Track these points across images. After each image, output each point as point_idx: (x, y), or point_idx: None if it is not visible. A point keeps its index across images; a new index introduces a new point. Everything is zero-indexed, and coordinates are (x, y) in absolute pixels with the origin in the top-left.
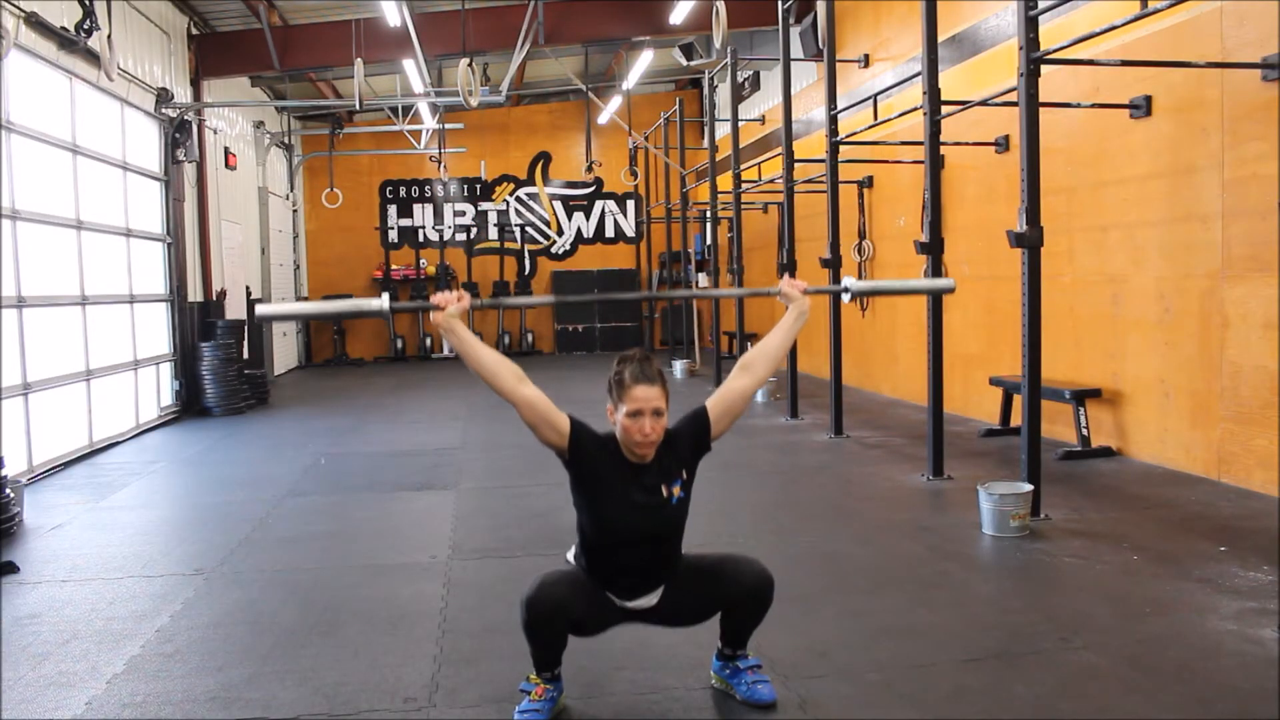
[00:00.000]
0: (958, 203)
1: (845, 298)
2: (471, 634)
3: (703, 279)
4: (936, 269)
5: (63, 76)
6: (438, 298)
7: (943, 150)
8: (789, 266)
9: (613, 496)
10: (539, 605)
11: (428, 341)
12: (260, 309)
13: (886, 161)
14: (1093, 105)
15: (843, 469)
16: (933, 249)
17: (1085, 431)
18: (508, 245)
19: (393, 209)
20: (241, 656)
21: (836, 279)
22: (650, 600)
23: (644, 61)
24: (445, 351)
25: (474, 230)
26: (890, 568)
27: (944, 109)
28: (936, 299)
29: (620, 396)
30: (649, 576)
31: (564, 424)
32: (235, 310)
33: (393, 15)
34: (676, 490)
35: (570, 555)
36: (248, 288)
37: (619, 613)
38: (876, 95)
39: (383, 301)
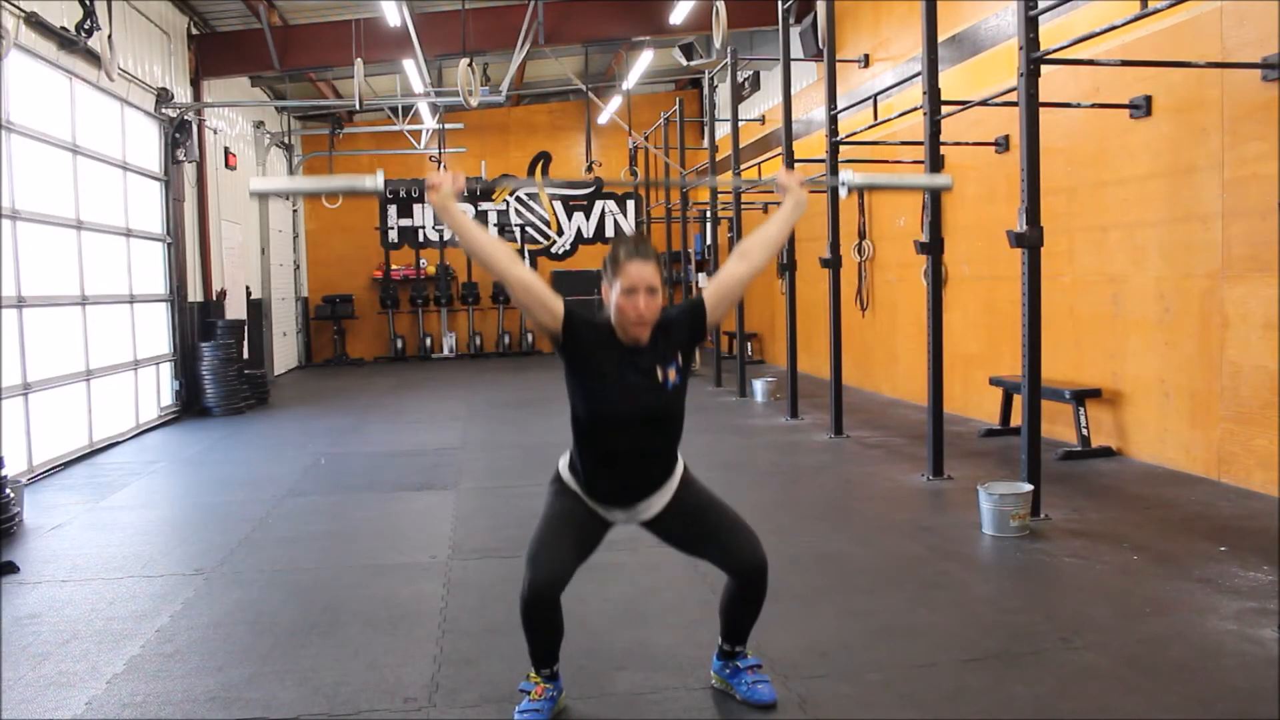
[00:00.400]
0: (958, 203)
1: (843, 191)
2: (471, 634)
3: (703, 279)
4: (936, 269)
5: (63, 76)
6: (432, 178)
7: (943, 150)
8: (789, 266)
9: (607, 378)
10: (539, 589)
11: (428, 341)
12: (254, 183)
13: (886, 161)
14: (1093, 105)
15: (843, 469)
16: (933, 249)
17: (1085, 431)
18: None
19: (393, 209)
20: (241, 656)
21: (836, 279)
22: (647, 513)
23: (644, 61)
24: (445, 351)
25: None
26: (890, 568)
27: (944, 109)
28: (936, 299)
29: (615, 274)
30: (646, 475)
31: (558, 306)
32: (235, 310)
33: (393, 15)
34: (672, 374)
35: (563, 465)
36: (248, 288)
37: (606, 529)
38: (876, 95)
39: (377, 179)
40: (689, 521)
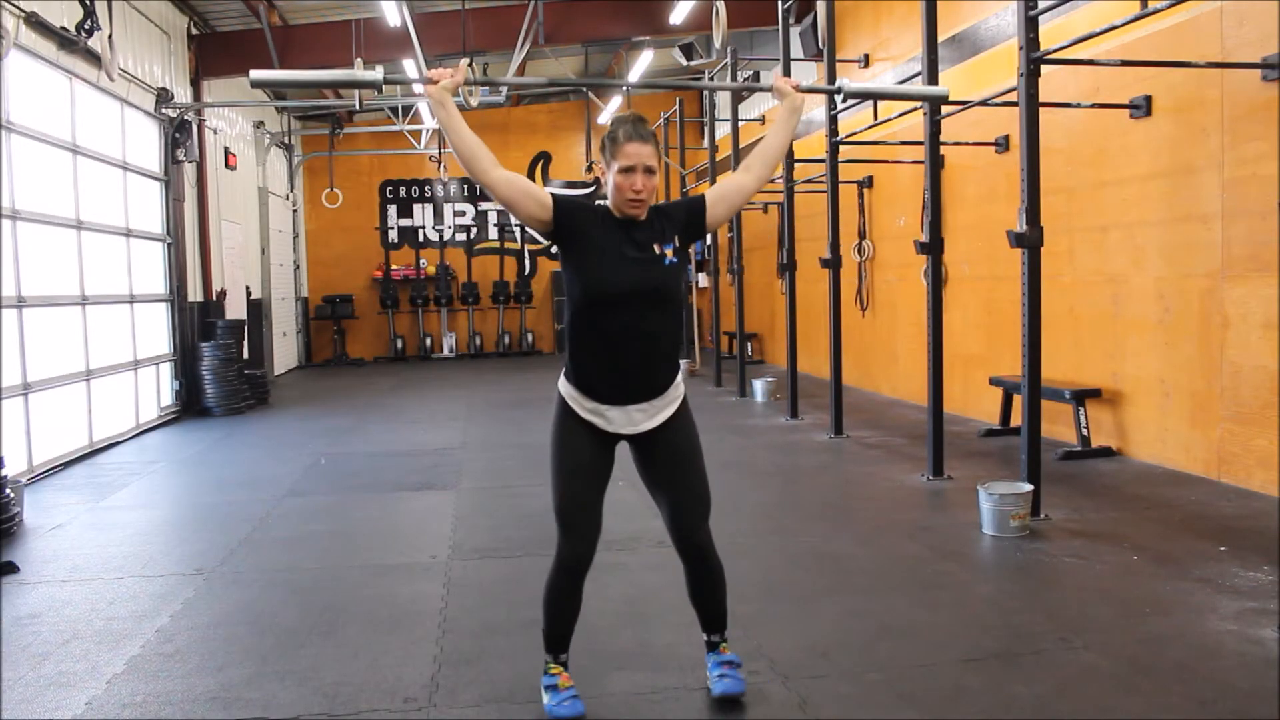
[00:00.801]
0: (958, 203)
1: (839, 98)
2: (471, 634)
3: (702, 279)
4: (936, 269)
5: (63, 76)
6: (432, 72)
7: (943, 150)
8: (789, 266)
9: (604, 252)
10: (579, 552)
11: (428, 341)
12: (254, 74)
13: (886, 161)
14: (1093, 105)
15: (843, 469)
16: (933, 249)
17: (1085, 431)
18: (508, 245)
19: (393, 209)
20: (241, 656)
21: (836, 279)
22: (645, 421)
23: (644, 61)
24: (445, 351)
25: (474, 230)
26: (890, 568)
27: (944, 109)
28: (936, 299)
29: (613, 154)
30: (647, 366)
31: (545, 195)
32: (235, 310)
33: (393, 15)
34: (669, 252)
35: (561, 383)
36: (248, 288)
37: (613, 444)
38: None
39: (376, 72)
40: (666, 460)
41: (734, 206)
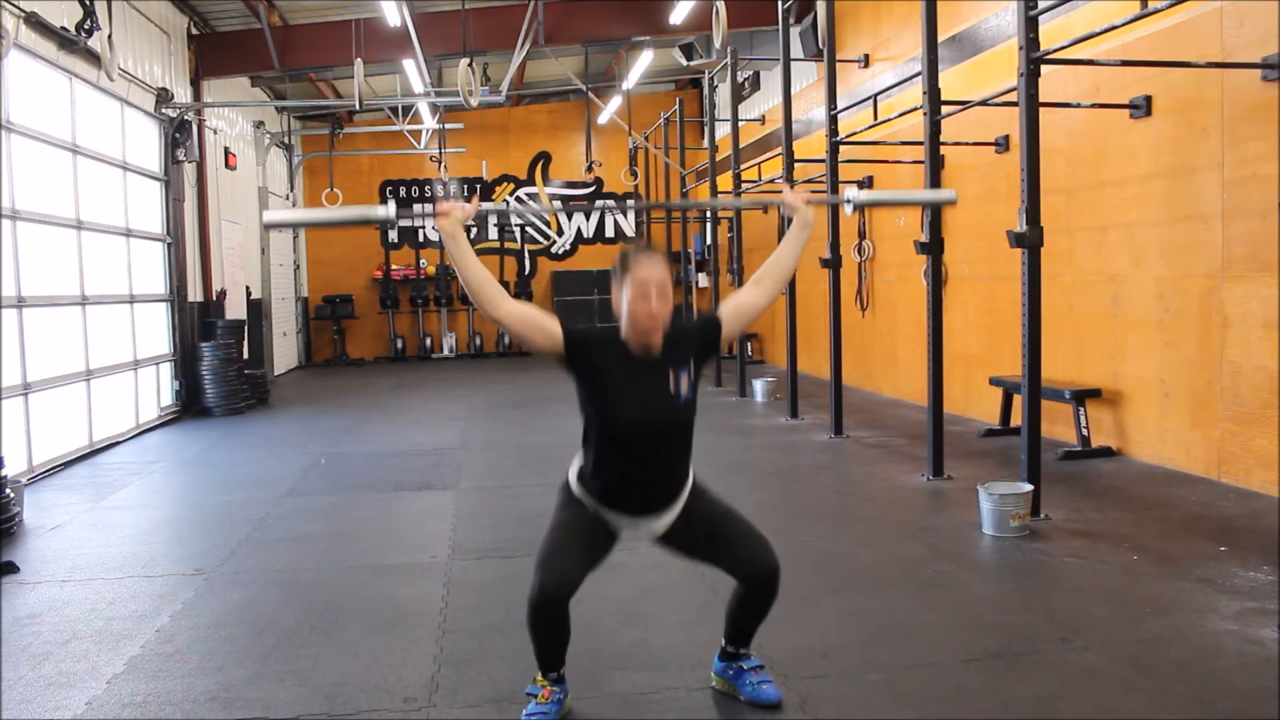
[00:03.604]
0: (958, 203)
1: (848, 209)
2: (471, 634)
3: (702, 279)
4: (936, 269)
5: (63, 76)
6: (443, 205)
7: (943, 150)
8: None
9: (620, 388)
10: (548, 593)
11: (428, 341)
12: (267, 216)
13: (886, 161)
14: (1093, 105)
15: (843, 469)
16: (933, 249)
17: (1085, 431)
18: (508, 245)
19: (393, 210)
20: (241, 656)
21: (836, 279)
22: (659, 526)
23: (644, 61)
24: (445, 351)
25: (474, 230)
26: (890, 568)
27: (944, 109)
28: (936, 299)
29: (625, 278)
30: (659, 487)
31: (555, 327)
32: (235, 310)
33: (393, 15)
34: (684, 385)
35: (572, 475)
36: (248, 288)
37: (614, 540)
38: (876, 95)
39: (389, 209)
40: (701, 532)
41: (748, 323)
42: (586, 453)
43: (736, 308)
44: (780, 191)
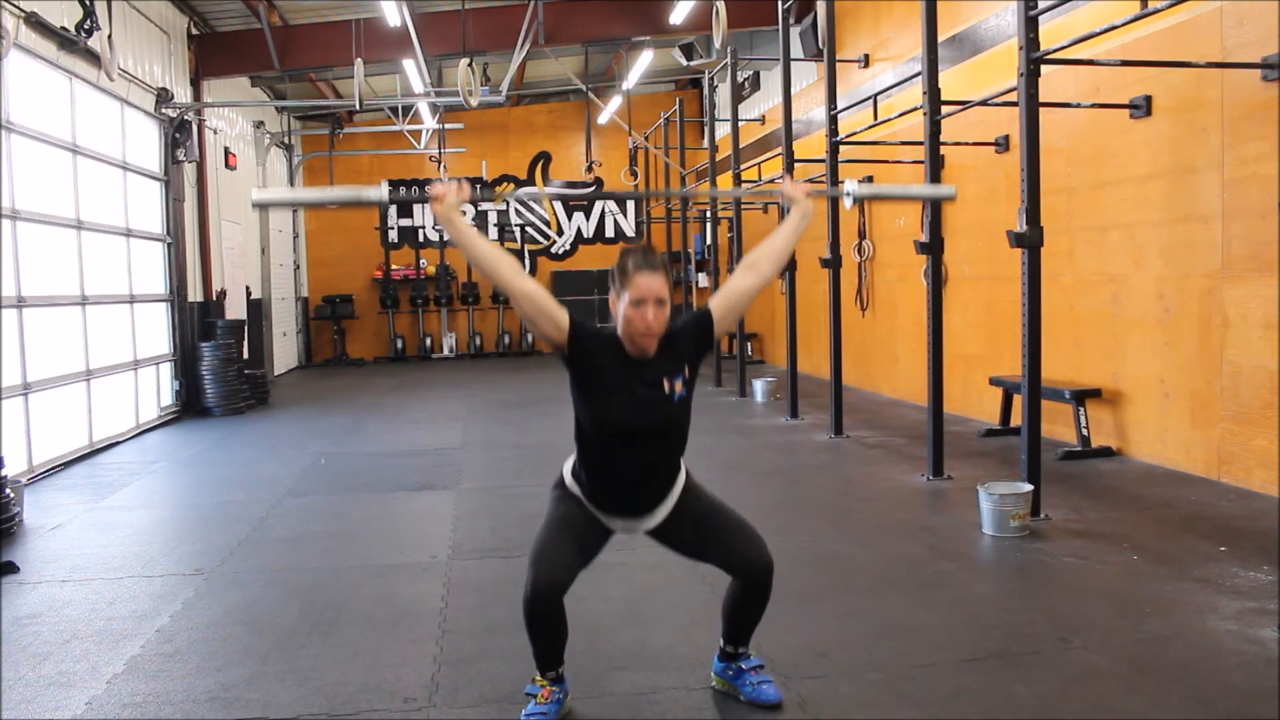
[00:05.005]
0: (958, 203)
1: (847, 202)
2: (471, 634)
3: (702, 279)
4: (936, 269)
5: (63, 76)
6: (435, 188)
7: (943, 150)
8: (789, 266)
9: (613, 389)
10: (540, 589)
11: (428, 341)
12: (256, 195)
13: (886, 161)
14: (1093, 105)
15: (843, 469)
16: (933, 249)
17: (1085, 431)
18: (508, 245)
19: (393, 209)
20: (241, 656)
21: (836, 279)
22: (649, 523)
23: (644, 61)
24: (445, 351)
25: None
26: (890, 568)
27: (944, 109)
28: (936, 299)
29: (623, 285)
30: (650, 486)
31: (564, 318)
32: (235, 310)
33: (393, 15)
34: (679, 386)
35: (566, 471)
36: (248, 288)
37: (608, 536)
38: (876, 95)
39: (381, 190)
40: (693, 528)
41: (741, 312)
42: (579, 449)
43: (728, 296)
44: (781, 185)
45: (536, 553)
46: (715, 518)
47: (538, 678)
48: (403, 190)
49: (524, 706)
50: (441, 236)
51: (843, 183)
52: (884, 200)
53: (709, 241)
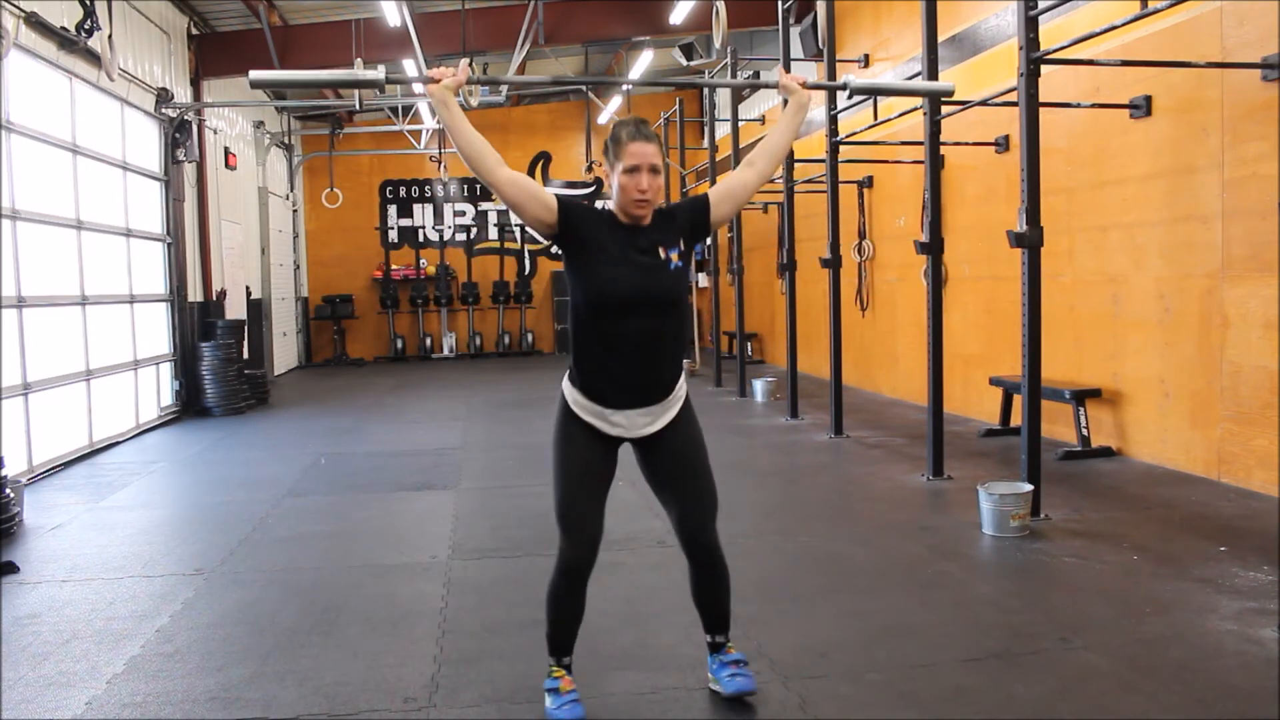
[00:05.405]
0: (958, 203)
1: (844, 95)
2: (471, 634)
3: (702, 279)
4: (936, 269)
5: (63, 76)
6: (433, 71)
7: (943, 150)
8: (789, 266)
9: (609, 257)
10: (581, 550)
11: (428, 342)
12: (254, 74)
13: (886, 161)
14: (1093, 105)
15: (843, 469)
16: (933, 249)
17: (1085, 431)
18: (508, 245)
19: (393, 209)
20: (241, 656)
21: (836, 279)
22: (649, 425)
23: (644, 61)
24: (445, 351)
25: (474, 230)
26: (890, 568)
27: (944, 109)
28: (936, 299)
29: (617, 154)
30: (650, 369)
31: (550, 198)
32: (235, 310)
33: (393, 15)
34: (675, 256)
35: (565, 384)
36: (248, 288)
37: (614, 455)
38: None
39: (378, 71)
40: (670, 459)
41: (739, 203)
42: (576, 342)
43: (728, 187)
44: (777, 77)
45: (563, 510)
46: (691, 464)
47: (554, 668)
48: (400, 88)
49: (546, 701)
50: (441, 236)
51: (842, 75)
52: (882, 94)
53: (709, 241)
